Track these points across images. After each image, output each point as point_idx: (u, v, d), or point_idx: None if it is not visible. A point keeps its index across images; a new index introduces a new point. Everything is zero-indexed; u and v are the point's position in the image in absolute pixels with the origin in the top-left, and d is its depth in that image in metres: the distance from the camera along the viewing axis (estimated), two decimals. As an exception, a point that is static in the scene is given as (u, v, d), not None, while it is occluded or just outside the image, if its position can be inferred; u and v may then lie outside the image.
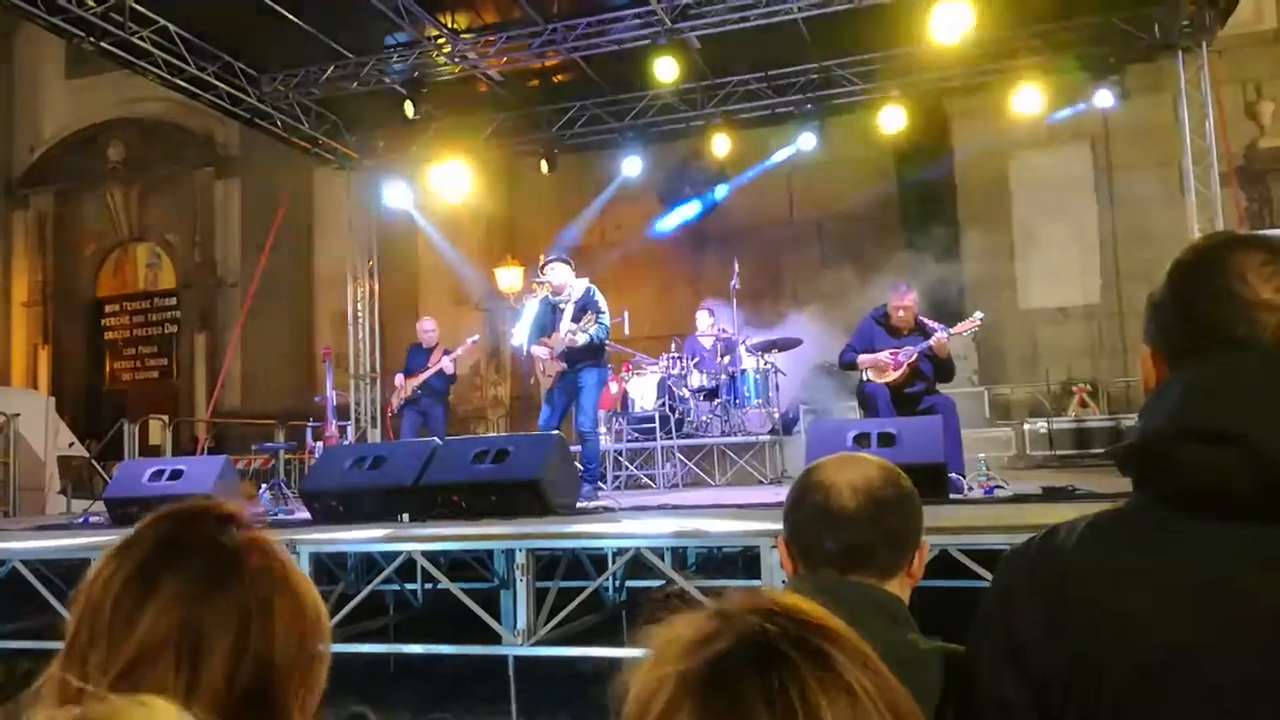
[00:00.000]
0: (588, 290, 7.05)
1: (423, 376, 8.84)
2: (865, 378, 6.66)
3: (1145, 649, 0.96)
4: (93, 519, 7.26)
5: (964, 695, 1.13)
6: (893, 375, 6.51)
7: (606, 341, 7.17)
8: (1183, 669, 0.95)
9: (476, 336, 9.53)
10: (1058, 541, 1.07)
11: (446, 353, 9.03)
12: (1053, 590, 1.03)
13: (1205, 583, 0.97)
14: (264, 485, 8.51)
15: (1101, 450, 9.78)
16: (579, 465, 6.57)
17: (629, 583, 5.50)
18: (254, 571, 0.94)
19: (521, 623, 4.40)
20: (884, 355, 6.56)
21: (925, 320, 6.66)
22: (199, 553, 0.94)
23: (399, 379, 9.07)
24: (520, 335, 9.06)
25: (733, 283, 10.09)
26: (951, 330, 6.49)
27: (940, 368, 6.53)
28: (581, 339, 6.77)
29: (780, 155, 12.05)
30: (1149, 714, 0.96)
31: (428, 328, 9.27)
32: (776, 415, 9.72)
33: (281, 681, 0.91)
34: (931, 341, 6.40)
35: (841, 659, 0.68)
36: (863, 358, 6.64)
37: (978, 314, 6.65)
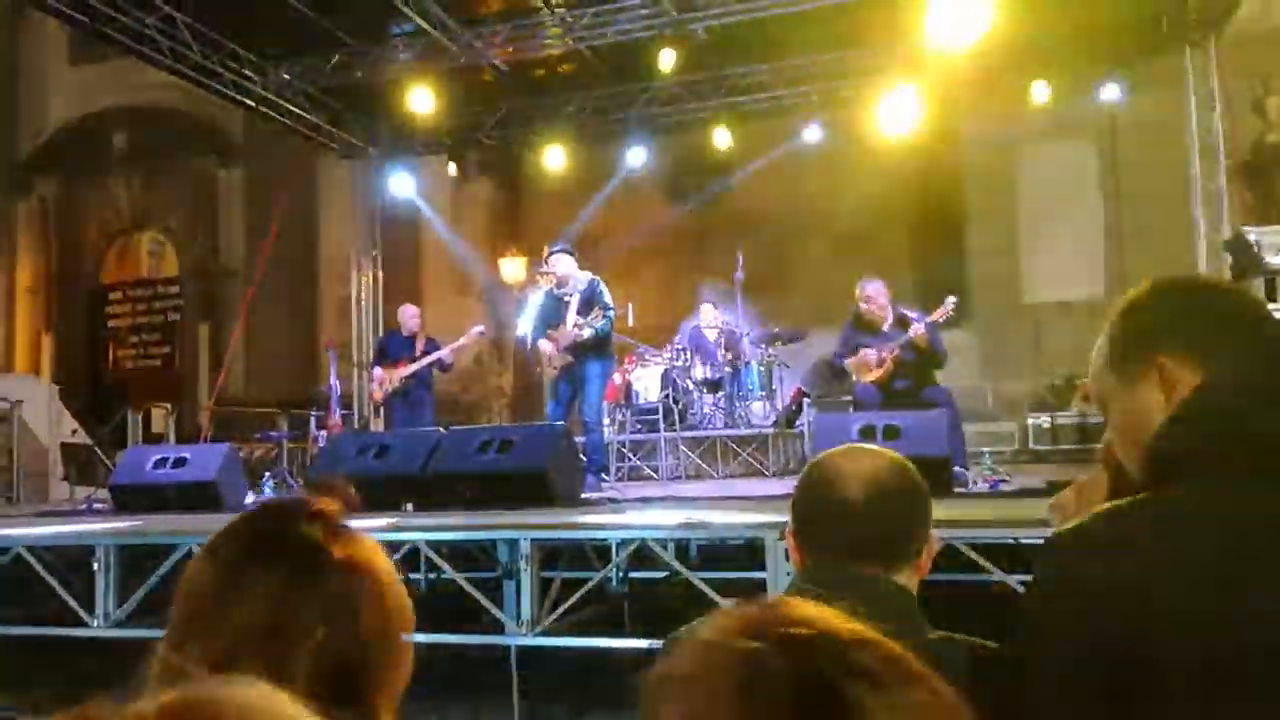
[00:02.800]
0: (592, 282, 7.04)
1: (413, 366, 8.53)
2: (855, 380, 6.68)
3: (1268, 632, 0.92)
4: (96, 506, 7.27)
5: (1006, 694, 1.09)
6: (877, 372, 6.52)
7: (611, 333, 7.18)
8: None
9: (482, 327, 9.35)
10: (1131, 530, 1.02)
11: (430, 341, 8.75)
12: (1136, 587, 0.98)
13: None
14: (267, 473, 8.51)
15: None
16: (583, 456, 6.58)
17: (633, 574, 5.50)
18: (340, 568, 0.99)
19: (525, 613, 4.41)
20: (869, 354, 6.57)
21: (905, 311, 6.66)
22: (289, 549, 0.99)
23: (377, 370, 8.74)
24: (524, 327, 9.00)
25: (737, 274, 10.08)
26: (928, 318, 6.48)
27: (925, 358, 6.51)
28: (588, 334, 6.77)
29: (785, 147, 12.01)
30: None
31: (411, 314, 8.91)
32: (780, 408, 9.73)
33: (368, 675, 0.96)
34: (910, 333, 6.40)
35: (898, 681, 0.61)
36: (849, 361, 6.68)
37: (950, 299, 6.61)
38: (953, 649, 1.34)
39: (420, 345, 8.72)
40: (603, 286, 7.03)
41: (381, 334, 10.87)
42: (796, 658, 0.61)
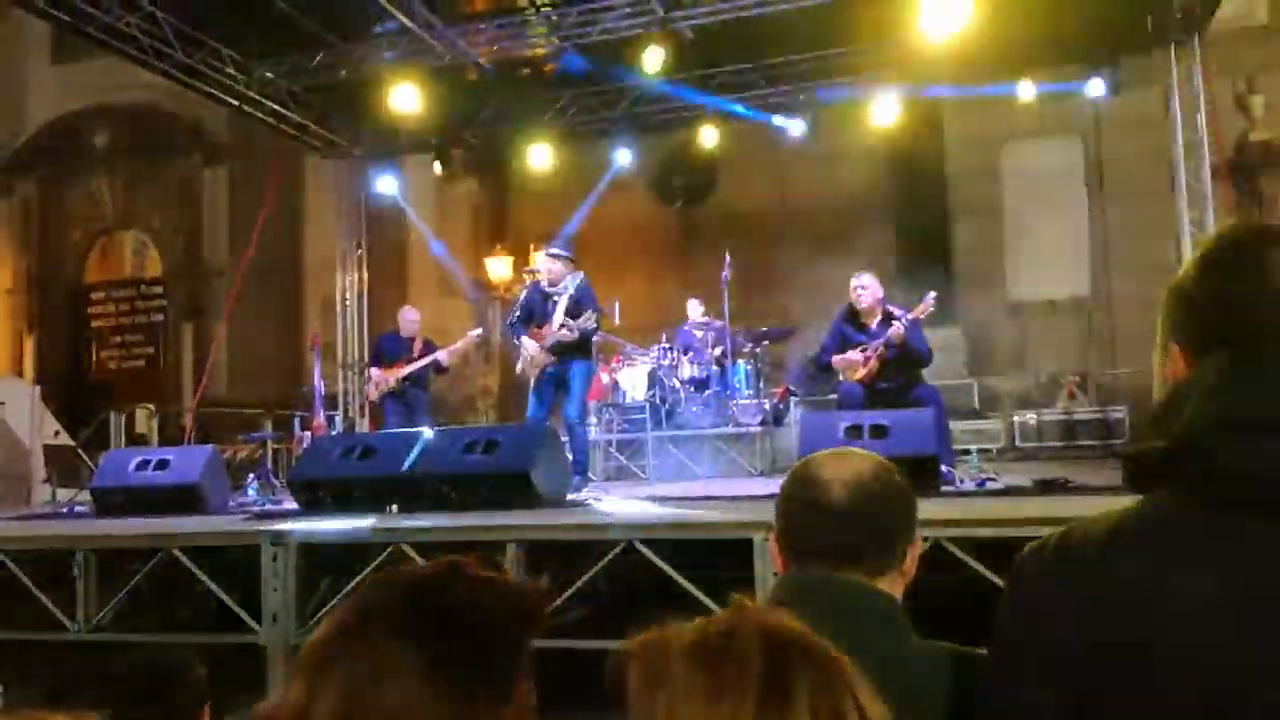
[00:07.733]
0: (582, 283, 6.98)
1: (410, 367, 8.60)
2: (841, 378, 6.68)
3: (1197, 661, 0.91)
4: (78, 508, 7.19)
5: (987, 700, 1.09)
6: (862, 371, 6.52)
7: (596, 334, 7.15)
8: (1234, 681, 0.89)
9: (480, 330, 9.41)
10: (1083, 549, 1.02)
11: (427, 343, 8.82)
12: (1089, 602, 0.98)
13: (1260, 589, 0.91)
14: (251, 475, 8.45)
15: (1092, 442, 9.81)
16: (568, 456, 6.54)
17: (619, 574, 5.48)
18: None
19: (511, 614, 4.38)
20: (854, 354, 6.57)
21: (891, 309, 6.68)
22: None
23: (374, 370, 8.79)
24: (514, 326, 8.97)
25: (724, 273, 10.06)
26: (910, 316, 6.49)
27: (907, 356, 6.50)
28: (575, 335, 6.72)
29: (772, 146, 12.00)
30: None
31: (411, 318, 9.00)
32: (767, 406, 9.72)
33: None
34: (890, 332, 6.40)
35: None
36: (835, 359, 6.67)
37: (930, 294, 6.62)
38: (935, 655, 1.32)
39: (418, 347, 8.78)
40: (590, 288, 7.00)
41: (376, 335, 10.84)
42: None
